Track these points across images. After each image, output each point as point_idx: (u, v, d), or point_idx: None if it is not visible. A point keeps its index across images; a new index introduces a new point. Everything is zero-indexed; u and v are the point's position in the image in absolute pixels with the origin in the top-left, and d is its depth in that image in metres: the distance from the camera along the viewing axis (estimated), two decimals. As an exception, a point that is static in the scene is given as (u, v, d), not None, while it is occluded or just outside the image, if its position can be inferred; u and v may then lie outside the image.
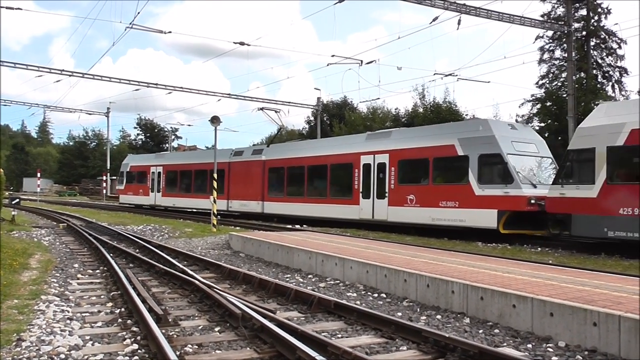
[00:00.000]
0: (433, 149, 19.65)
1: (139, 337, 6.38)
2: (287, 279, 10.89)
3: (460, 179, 18.83)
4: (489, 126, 18.51)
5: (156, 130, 77.17)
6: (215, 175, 22.31)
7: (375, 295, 9.21)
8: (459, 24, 23.34)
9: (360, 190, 22.45)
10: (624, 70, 40.24)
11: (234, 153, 30.71)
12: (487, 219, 17.54)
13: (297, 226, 23.37)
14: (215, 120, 21.95)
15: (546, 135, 32.59)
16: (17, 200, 36.31)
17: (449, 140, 19.19)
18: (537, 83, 42.23)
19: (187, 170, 34.56)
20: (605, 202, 14.13)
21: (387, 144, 21.81)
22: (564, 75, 37.72)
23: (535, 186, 17.25)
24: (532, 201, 16.68)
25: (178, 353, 5.72)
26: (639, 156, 13.90)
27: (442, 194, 19.18)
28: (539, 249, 15.82)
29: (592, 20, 39.49)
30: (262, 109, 31.16)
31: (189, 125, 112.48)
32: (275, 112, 31.05)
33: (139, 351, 5.93)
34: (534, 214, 16.82)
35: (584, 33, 39.04)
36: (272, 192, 27.72)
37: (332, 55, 30.39)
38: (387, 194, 21.22)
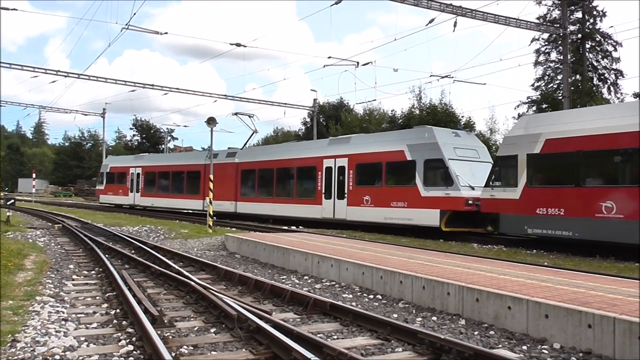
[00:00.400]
0: (386, 154, 21.54)
1: (134, 338, 6.38)
2: (283, 280, 10.88)
3: (408, 181, 20.65)
4: (433, 134, 20.35)
5: (152, 131, 76.96)
6: (211, 177, 22.44)
7: (371, 296, 9.22)
8: (455, 26, 23.42)
9: (323, 191, 24.25)
10: (619, 73, 40.42)
11: (209, 155, 31.00)
12: (431, 218, 19.42)
13: (293, 227, 23.39)
14: (211, 121, 21.97)
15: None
16: (12, 201, 36.20)
17: (399, 146, 21.09)
18: (532, 85, 42.40)
19: (165, 171, 36.35)
20: (525, 203, 16.15)
21: (346, 148, 23.64)
22: (559, 77, 37.83)
23: (473, 188, 18.72)
24: (470, 202, 18.49)
25: (173, 354, 5.71)
26: (553, 162, 15.89)
27: (393, 195, 21.09)
28: (534, 251, 15.86)
29: (588, 23, 39.67)
30: (236, 114, 32.11)
31: (185, 126, 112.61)
32: (249, 116, 32.03)
33: (134, 352, 5.92)
34: (472, 213, 18.52)
35: (579, 36, 39.20)
36: (245, 192, 29.48)
37: (329, 57, 30.43)
38: (346, 195, 23.07)
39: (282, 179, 27.35)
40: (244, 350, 6.05)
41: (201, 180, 31.63)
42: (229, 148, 33.15)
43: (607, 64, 40.67)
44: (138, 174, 38.65)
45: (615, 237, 13.85)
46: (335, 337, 6.72)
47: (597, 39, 39.85)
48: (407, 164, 20.60)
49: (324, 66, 31.68)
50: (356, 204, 22.43)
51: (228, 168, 30.33)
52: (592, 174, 15.28)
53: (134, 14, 25.40)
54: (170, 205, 34.92)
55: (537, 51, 41.09)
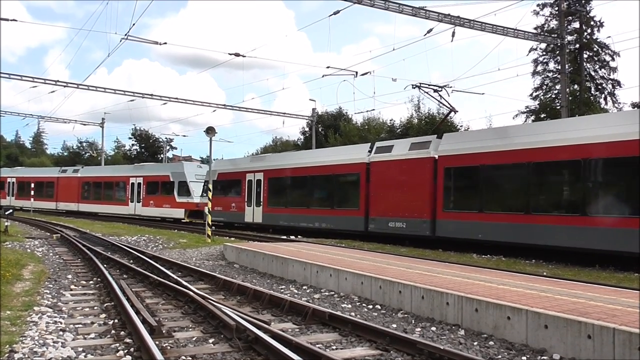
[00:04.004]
0: (160, 176, 37.43)
1: (132, 349, 6.35)
2: (282, 290, 10.86)
3: (171, 193, 36.41)
4: (183, 166, 38.03)
5: (151, 141, 76.90)
6: (210, 186, 22.64)
7: (370, 306, 9.20)
8: (453, 36, 23.49)
9: (130, 197, 40.33)
10: (617, 83, 40.52)
11: (61, 170, 49.20)
12: (180, 213, 35.33)
13: (292, 237, 23.39)
14: (210, 130, 21.97)
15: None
16: (10, 210, 36.15)
17: (167, 172, 37.50)
18: (531, 95, 42.51)
19: (29, 182, 48.44)
20: (213, 205, 26.02)
21: (141, 172, 40.28)
22: (557, 87, 37.95)
23: (200, 197, 32.61)
24: (198, 205, 33.02)
25: (172, 365, 5.68)
26: (221, 184, 30.92)
27: (163, 201, 36.82)
28: (533, 260, 15.85)
29: (585, 33, 39.84)
30: (83, 142, 51.31)
31: (184, 135, 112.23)
32: (91, 143, 51.66)
33: (132, 363, 5.89)
34: (200, 211, 31.77)
35: (577, 45, 39.36)
36: (84, 197, 45.34)
37: (327, 67, 30.30)
38: (141, 200, 39.25)
39: (107, 189, 43.37)
40: (242, 360, 6.03)
41: (55, 188, 47.87)
42: (74, 166, 51.01)
43: (605, 73, 40.82)
44: (13, 182, 51.73)
45: (236, 220, 29.85)
46: (334, 347, 6.69)
47: (595, 49, 40.01)
48: (170, 183, 36.52)
49: (323, 76, 31.71)
50: (146, 205, 38.54)
51: (73, 180, 46.33)
52: (232, 190, 30.58)
53: (133, 24, 25.57)
54: (36, 206, 45.82)
55: (535, 61, 41.25)
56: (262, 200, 27.90)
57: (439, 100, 23.16)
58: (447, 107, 23.67)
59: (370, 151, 22.33)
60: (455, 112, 24.96)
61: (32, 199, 41.74)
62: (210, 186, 23.62)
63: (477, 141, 18.47)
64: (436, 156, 19.51)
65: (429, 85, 22.52)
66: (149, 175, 38.83)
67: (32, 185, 43.16)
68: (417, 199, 19.78)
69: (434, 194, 19.26)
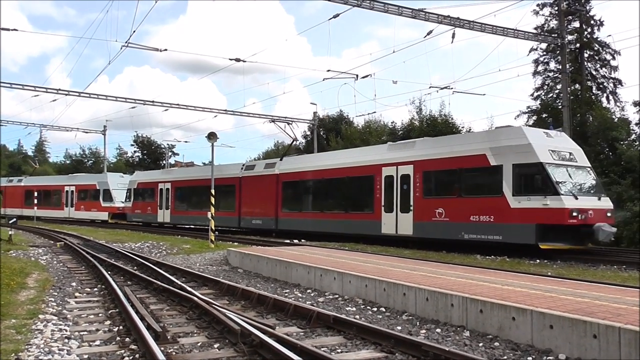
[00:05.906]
0: (89, 185, 45.15)
1: (137, 355, 6.36)
2: (286, 294, 10.86)
3: (97, 199, 44.47)
4: (107, 176, 46.26)
5: (153, 147, 76.99)
6: (212, 192, 22.55)
7: (375, 309, 9.19)
8: (453, 37, 23.48)
9: (65, 203, 48.08)
10: (618, 82, 40.40)
11: (8, 180, 57.29)
12: (104, 216, 43.13)
13: (295, 241, 23.41)
14: (212, 136, 22.00)
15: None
16: (14, 219, 36.24)
17: (94, 182, 45.56)
18: (532, 95, 42.41)
19: None
20: (133, 208, 39.11)
21: (74, 181, 48.33)
22: (559, 86, 37.88)
23: (123, 202, 40.81)
24: (119, 209, 42.03)
25: (177, 371, 5.68)
26: (141, 192, 39.12)
27: (91, 206, 45.17)
28: (538, 260, 15.83)
29: (585, 33, 39.78)
30: (25, 155, 62.44)
31: (186, 141, 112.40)
32: (35, 158, 58.06)
33: (137, 369, 5.89)
34: (122, 213, 40.95)
35: (577, 45, 39.31)
36: (27, 203, 51.93)
37: (328, 70, 30.31)
38: (74, 206, 46.99)
39: (47, 196, 50.38)
40: (247, 365, 6.02)
41: (4, 195, 54.41)
42: (19, 176, 60.03)
43: (606, 72, 40.70)
44: None
45: (151, 220, 36.98)
46: (339, 350, 6.69)
47: (595, 48, 39.93)
48: (97, 190, 44.58)
49: (324, 79, 31.80)
50: (78, 210, 46.41)
51: (18, 188, 54.04)
52: (148, 197, 37.28)
53: (134, 31, 25.55)
54: None
55: (536, 61, 41.15)
56: (170, 204, 35.83)
57: (286, 132, 34.09)
58: (290, 137, 34.77)
59: (242, 168, 31.09)
60: (296, 140, 37.85)
61: None
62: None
63: (298, 163, 27.75)
64: (278, 173, 27.97)
65: (280, 117, 33.40)
66: (80, 184, 47.00)
67: None
68: (267, 204, 28.29)
69: (277, 200, 27.86)
